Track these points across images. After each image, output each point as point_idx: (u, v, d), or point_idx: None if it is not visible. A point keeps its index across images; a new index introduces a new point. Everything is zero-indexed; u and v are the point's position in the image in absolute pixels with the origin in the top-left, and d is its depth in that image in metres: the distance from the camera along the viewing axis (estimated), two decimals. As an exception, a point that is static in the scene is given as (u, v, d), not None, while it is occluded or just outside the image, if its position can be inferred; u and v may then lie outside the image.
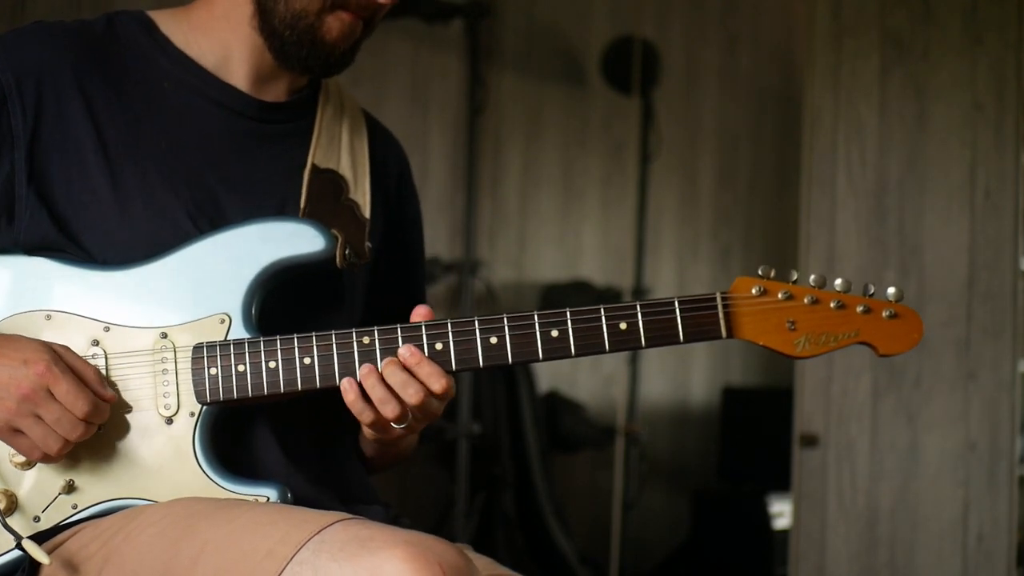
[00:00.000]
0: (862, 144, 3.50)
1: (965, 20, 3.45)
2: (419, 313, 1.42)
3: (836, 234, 3.49)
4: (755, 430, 4.72)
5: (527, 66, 4.64)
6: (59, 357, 1.35)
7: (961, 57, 3.45)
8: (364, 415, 1.39)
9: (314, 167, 1.56)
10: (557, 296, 4.50)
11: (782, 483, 3.93)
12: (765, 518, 4.37)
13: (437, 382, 1.38)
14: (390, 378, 1.38)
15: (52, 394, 1.32)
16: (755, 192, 5.38)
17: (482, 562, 1.46)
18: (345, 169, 1.60)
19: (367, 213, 1.59)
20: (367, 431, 1.45)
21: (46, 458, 1.36)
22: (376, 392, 1.38)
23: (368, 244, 1.56)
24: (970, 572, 3.36)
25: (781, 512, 4.34)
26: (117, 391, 1.41)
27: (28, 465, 1.39)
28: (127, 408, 1.40)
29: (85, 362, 1.38)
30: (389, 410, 1.38)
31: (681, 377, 5.12)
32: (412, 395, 1.37)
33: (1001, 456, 3.37)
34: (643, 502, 4.70)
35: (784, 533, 4.13)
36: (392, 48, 4.12)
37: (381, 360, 1.38)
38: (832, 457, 3.44)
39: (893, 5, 3.50)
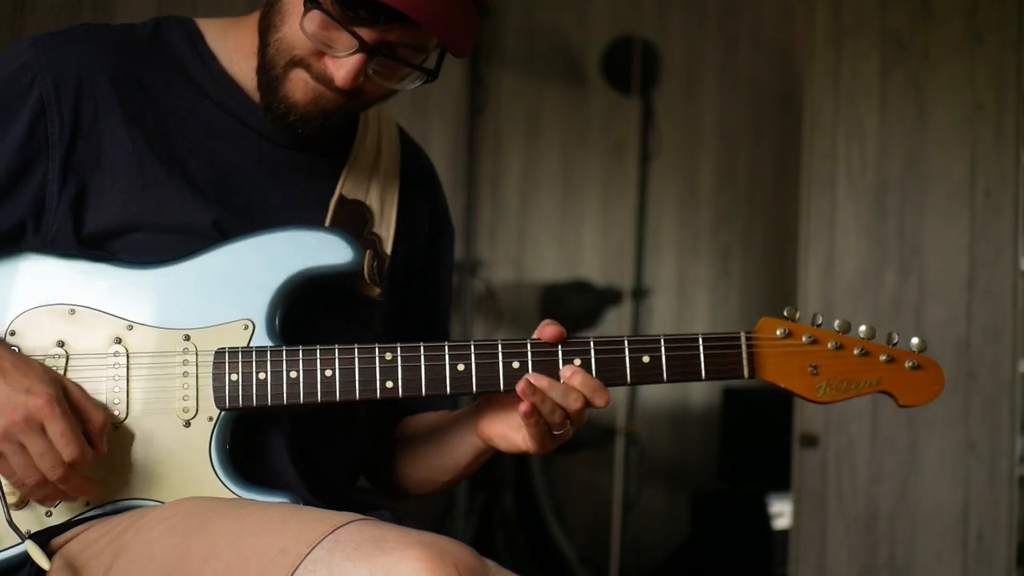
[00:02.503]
0: (862, 144, 3.50)
1: (965, 20, 3.45)
2: (547, 332, 1.41)
3: (836, 234, 3.49)
4: (755, 430, 4.71)
5: (527, 66, 4.64)
6: (64, 396, 1.32)
7: (961, 57, 3.45)
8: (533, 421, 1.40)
9: (341, 197, 1.54)
10: (557, 296, 4.50)
11: (782, 483, 3.93)
12: (765, 518, 4.37)
13: (600, 398, 1.39)
14: (553, 395, 1.38)
15: (44, 430, 1.30)
16: (755, 192, 5.38)
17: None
18: (373, 200, 1.58)
19: (389, 248, 1.57)
20: (518, 440, 1.44)
21: (20, 485, 1.33)
22: (546, 405, 1.38)
23: (385, 282, 1.55)
24: (970, 572, 3.36)
25: (781, 512, 4.34)
26: (138, 391, 1.40)
27: None
28: (146, 409, 1.40)
29: (96, 406, 1.36)
30: (557, 416, 1.38)
31: (681, 377, 5.10)
32: (574, 400, 1.38)
33: (1001, 456, 3.37)
34: (643, 502, 4.70)
35: (784, 533, 4.13)
36: (392, 48, 4.11)
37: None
38: (832, 457, 3.44)
39: (893, 5, 3.50)
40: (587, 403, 1.39)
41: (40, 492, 1.33)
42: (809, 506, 3.46)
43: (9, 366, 1.32)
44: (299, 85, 1.44)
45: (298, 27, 1.40)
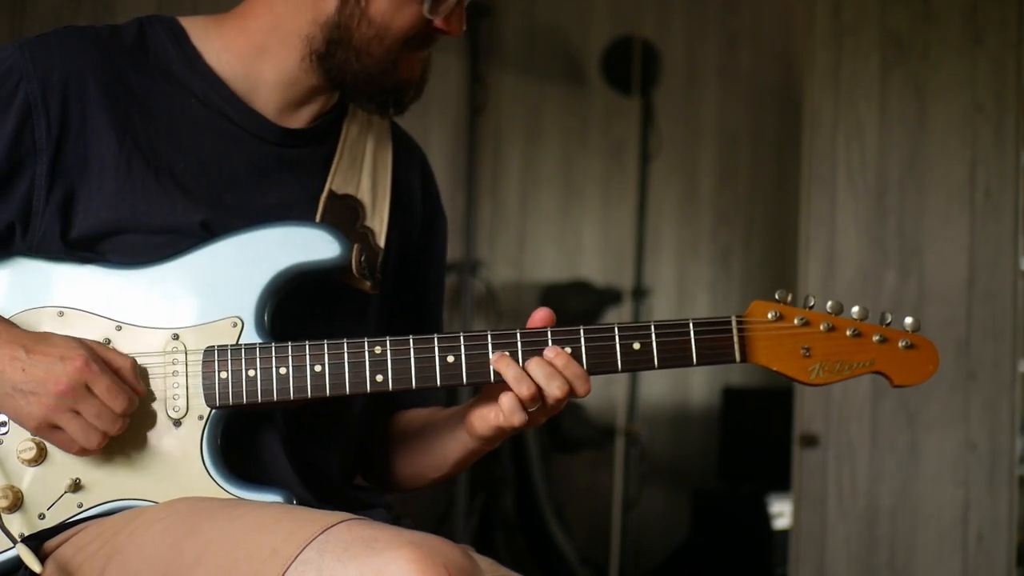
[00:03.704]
0: (862, 144, 3.50)
1: (965, 20, 3.45)
2: (539, 316, 1.42)
3: (836, 234, 3.49)
4: (755, 430, 4.71)
5: (527, 66, 4.64)
6: (95, 353, 1.35)
7: (961, 57, 3.45)
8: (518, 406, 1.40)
9: (331, 193, 1.54)
10: (557, 296, 4.50)
11: (782, 483, 3.93)
12: (765, 518, 4.37)
13: (582, 385, 1.39)
14: (534, 371, 1.38)
15: (91, 390, 1.33)
16: (755, 192, 5.38)
17: (484, 563, 1.45)
18: (364, 194, 1.58)
19: (382, 241, 1.57)
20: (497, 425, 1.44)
21: (84, 452, 1.36)
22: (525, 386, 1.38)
23: (378, 275, 1.55)
24: (970, 572, 3.36)
25: (781, 512, 4.34)
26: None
27: (35, 462, 1.39)
28: (137, 409, 1.39)
29: (119, 354, 1.38)
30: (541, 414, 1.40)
31: (681, 377, 5.12)
32: (557, 388, 1.38)
33: (1001, 456, 3.37)
34: (643, 502, 4.70)
35: (784, 533, 4.14)
36: (392, 48, 4.11)
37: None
38: (832, 457, 3.44)
39: (893, 5, 3.50)
40: (571, 389, 1.39)
41: (100, 447, 1.36)
42: (809, 506, 3.46)
43: (29, 342, 1.34)
44: (415, 65, 1.52)
45: (411, 15, 1.46)
